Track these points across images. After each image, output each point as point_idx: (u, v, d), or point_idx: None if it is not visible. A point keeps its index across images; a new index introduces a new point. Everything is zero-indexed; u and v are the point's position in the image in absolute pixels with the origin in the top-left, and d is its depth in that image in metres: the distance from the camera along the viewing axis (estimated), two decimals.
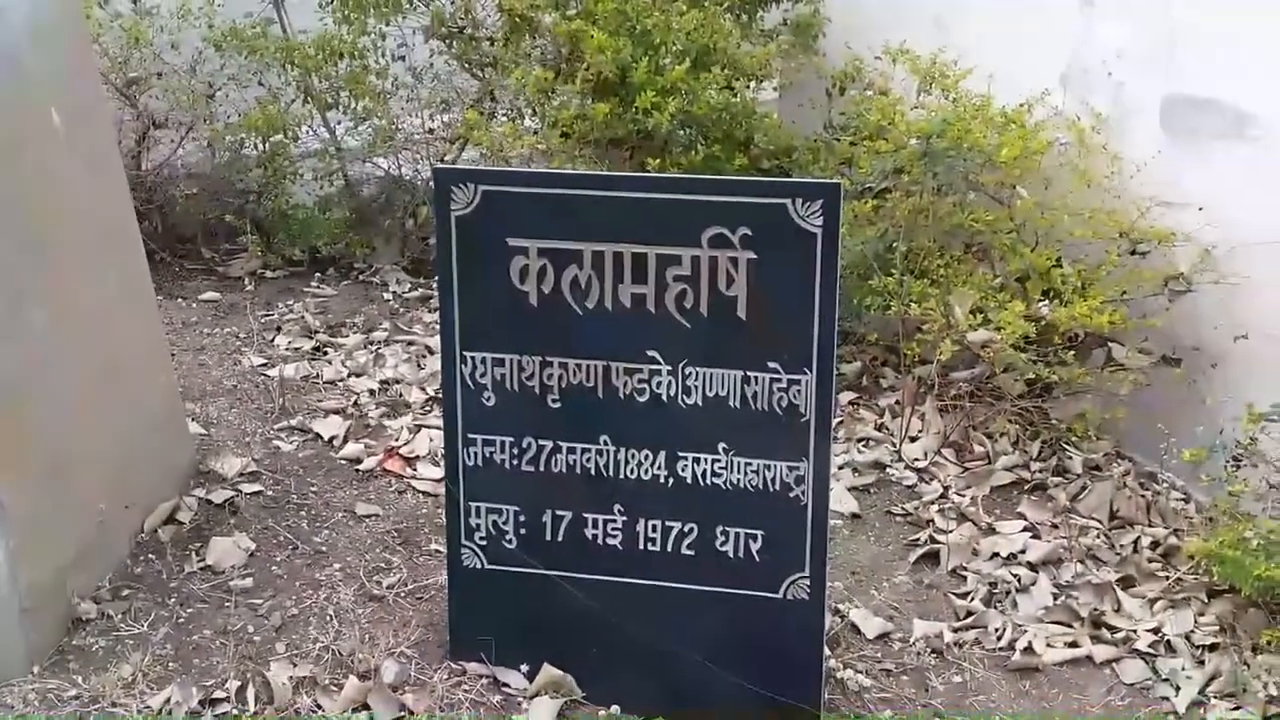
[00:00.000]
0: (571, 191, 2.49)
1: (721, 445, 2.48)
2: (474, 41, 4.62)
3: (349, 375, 3.92)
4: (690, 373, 2.46)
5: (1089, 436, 3.52)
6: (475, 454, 2.58)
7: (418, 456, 3.45)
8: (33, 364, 2.57)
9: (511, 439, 2.56)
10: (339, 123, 4.93)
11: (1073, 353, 3.44)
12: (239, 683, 2.55)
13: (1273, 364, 3.21)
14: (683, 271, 2.41)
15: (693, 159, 4.10)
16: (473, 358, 2.54)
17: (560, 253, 2.46)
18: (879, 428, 3.71)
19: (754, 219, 2.37)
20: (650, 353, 2.47)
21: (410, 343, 4.18)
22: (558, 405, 2.53)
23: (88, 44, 3.16)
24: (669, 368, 2.47)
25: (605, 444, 2.53)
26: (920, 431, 3.63)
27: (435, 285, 4.62)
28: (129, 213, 3.08)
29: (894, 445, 3.60)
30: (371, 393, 3.81)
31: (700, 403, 2.47)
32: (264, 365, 3.93)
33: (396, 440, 3.53)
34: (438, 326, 4.20)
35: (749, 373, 2.43)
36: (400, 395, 3.80)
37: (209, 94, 4.74)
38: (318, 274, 4.79)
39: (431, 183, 4.78)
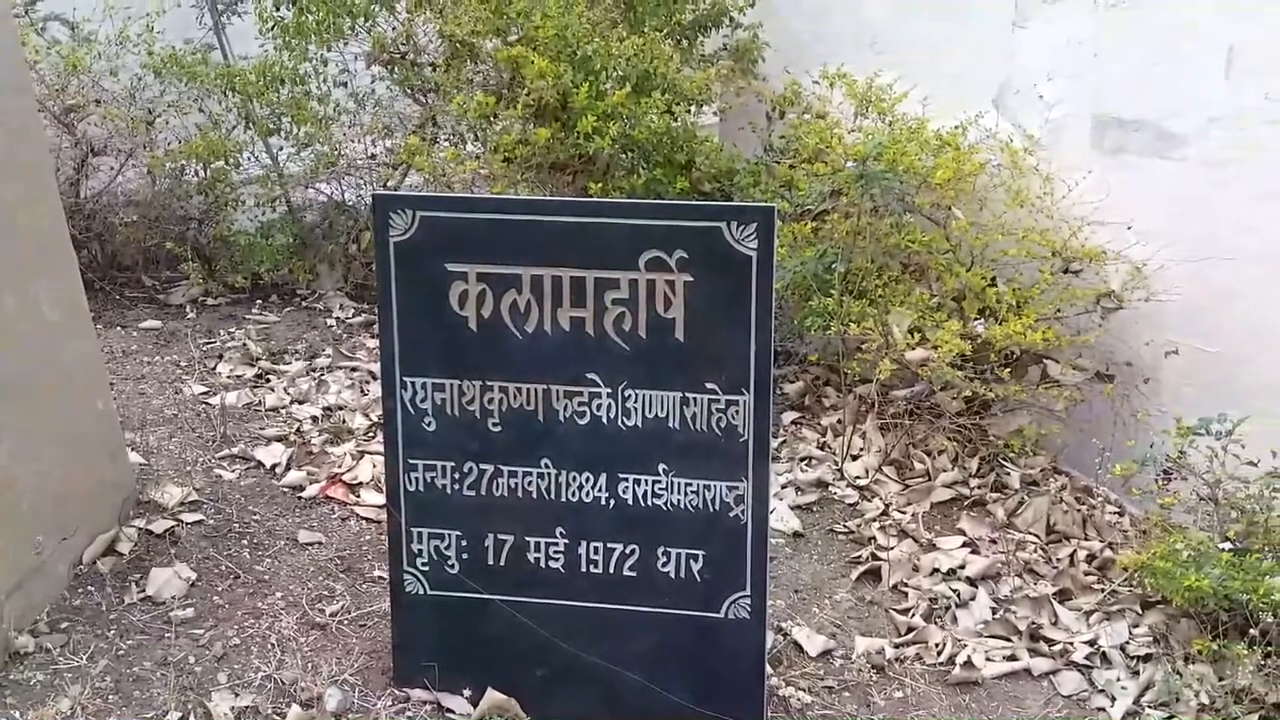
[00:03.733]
0: (509, 216, 2.50)
1: (661, 466, 2.50)
2: (415, 67, 4.63)
3: (291, 402, 3.90)
4: (630, 395, 2.48)
5: (1026, 452, 3.58)
6: (417, 479, 2.58)
7: (361, 483, 3.44)
8: None
9: (453, 464, 2.57)
10: (281, 149, 4.92)
11: (1009, 370, 3.50)
12: (180, 714, 2.53)
13: (1202, 379, 3.29)
14: (621, 295, 2.44)
15: (634, 183, 4.13)
16: (413, 383, 2.55)
17: (499, 277, 2.47)
18: (821, 446, 3.75)
19: (690, 242, 2.40)
20: (590, 375, 2.49)
21: (354, 369, 4.17)
22: (498, 429, 2.54)
23: (23, 67, 3.14)
24: (608, 390, 2.49)
25: (546, 467, 2.55)
26: (862, 450, 3.67)
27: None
28: (64, 236, 3.05)
29: (836, 464, 3.63)
30: (314, 419, 3.80)
31: (640, 424, 2.49)
32: (205, 393, 3.90)
33: (339, 467, 3.52)
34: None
35: (687, 394, 2.46)
36: (343, 422, 3.78)
37: (149, 121, 4.71)
38: (260, 301, 4.76)
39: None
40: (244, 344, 4.30)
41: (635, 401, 2.49)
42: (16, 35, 3.06)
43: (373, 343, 4.39)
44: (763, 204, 2.48)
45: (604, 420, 2.50)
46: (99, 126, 4.73)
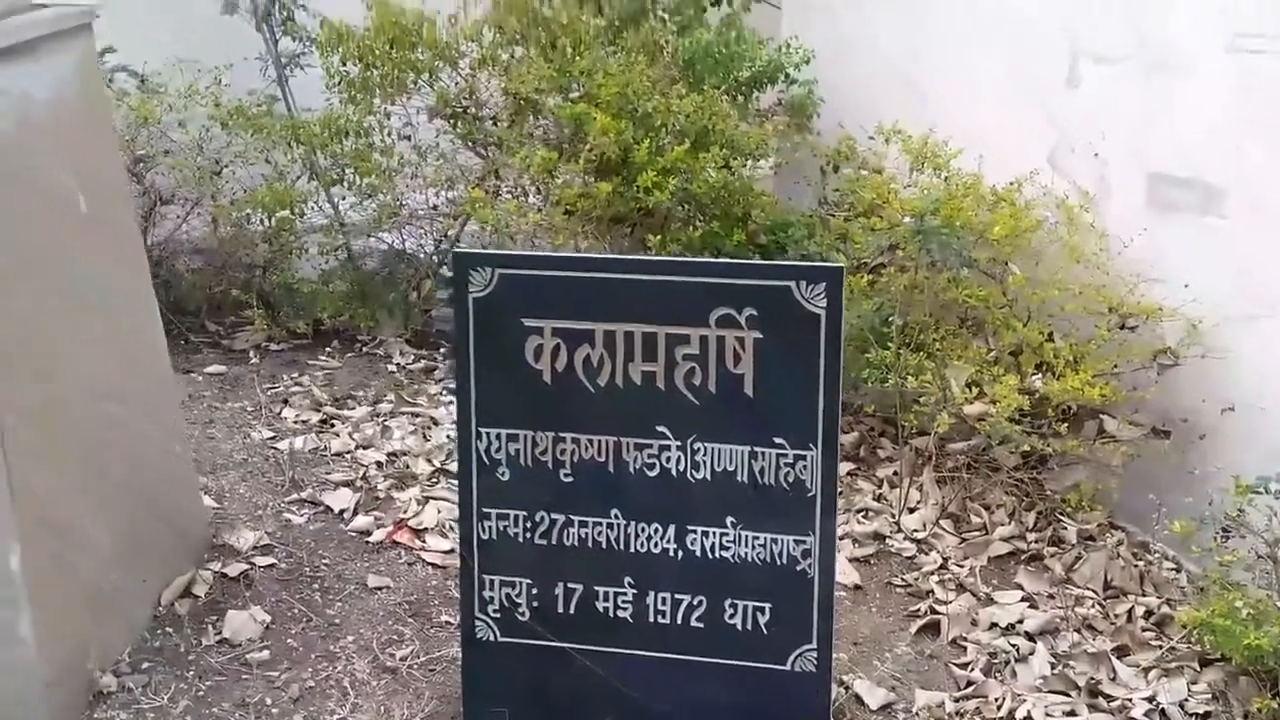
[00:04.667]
0: (585, 274, 2.58)
1: (729, 519, 2.55)
2: (477, 121, 4.73)
3: (357, 447, 3.97)
4: (699, 448, 2.54)
5: (1083, 507, 3.60)
6: (490, 528, 2.65)
7: (426, 529, 3.51)
8: (46, 435, 2.63)
9: (525, 513, 2.63)
10: (343, 198, 5.03)
11: (1066, 425, 3.53)
12: None
13: (1259, 436, 3.31)
14: (691, 350, 2.50)
15: (692, 235, 4.21)
16: (488, 434, 2.62)
17: (573, 332, 2.54)
18: (878, 498, 3.79)
19: (760, 300, 2.46)
20: (660, 428, 2.55)
21: (415, 414, 4.25)
22: (570, 480, 2.60)
23: (109, 125, 3.26)
24: (678, 443, 2.55)
25: (616, 518, 2.61)
26: (918, 502, 3.71)
27: (438, 356, 4.73)
28: (147, 286, 3.17)
29: (893, 516, 3.67)
30: (379, 465, 3.87)
31: (709, 477, 2.55)
32: (273, 438, 3.99)
33: (405, 512, 3.59)
34: (441, 398, 4.33)
35: (756, 448, 2.52)
36: (407, 467, 3.86)
37: (215, 171, 4.84)
38: (322, 346, 4.85)
39: (434, 257, 4.95)
40: (308, 389, 4.39)
41: (704, 455, 2.54)
42: (103, 99, 3.18)
43: (433, 388, 4.48)
44: (831, 264, 2.56)
45: (673, 473, 2.56)
46: (166, 176, 4.86)
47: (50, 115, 2.64)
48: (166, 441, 3.19)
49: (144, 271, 3.12)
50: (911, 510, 3.69)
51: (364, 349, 4.87)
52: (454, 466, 3.73)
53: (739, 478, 2.53)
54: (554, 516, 2.63)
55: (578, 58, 4.35)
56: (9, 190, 2.48)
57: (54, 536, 2.63)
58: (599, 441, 2.58)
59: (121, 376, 2.95)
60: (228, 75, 4.94)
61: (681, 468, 2.56)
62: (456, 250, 2.71)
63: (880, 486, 3.85)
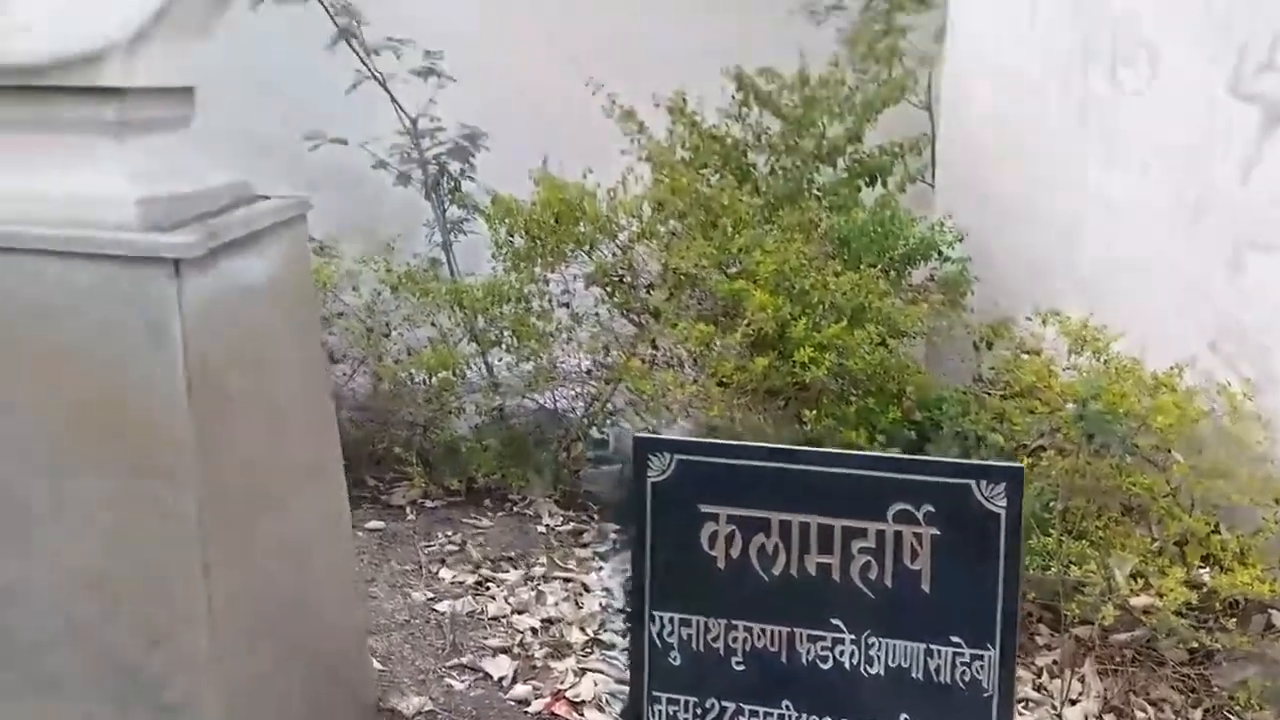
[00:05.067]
0: (763, 463, 2.63)
1: (903, 716, 2.55)
2: (633, 290, 4.90)
3: (512, 612, 4.04)
4: (873, 643, 2.56)
5: (1252, 705, 3.49)
6: (660, 712, 2.67)
7: (584, 701, 3.54)
8: (247, 602, 2.75)
9: (696, 699, 2.66)
10: (500, 359, 5.20)
11: (1234, 619, 3.45)
12: None
13: None
14: (868, 544, 2.53)
15: (847, 410, 4.27)
16: (661, 617, 2.66)
17: (749, 520, 2.60)
18: (1038, 688, 3.71)
19: (939, 497, 2.49)
20: (834, 621, 2.57)
21: (568, 580, 4.31)
22: (742, 668, 2.63)
23: (317, 308, 3.46)
24: (852, 636, 2.57)
25: (788, 709, 2.61)
26: (1080, 694, 3.63)
27: (586, 518, 4.82)
28: (337, 454, 3.32)
29: (1054, 708, 3.60)
30: (534, 631, 3.93)
31: (882, 673, 2.55)
32: (432, 599, 4.09)
33: (562, 683, 3.63)
34: (592, 563, 4.40)
35: (932, 645, 2.52)
36: (561, 635, 3.91)
37: (385, 333, 5.07)
38: (475, 504, 4.97)
39: (585, 419, 5.07)
40: (464, 549, 4.50)
41: (879, 650, 2.56)
42: (314, 281, 3.39)
43: (582, 552, 4.55)
44: (1012, 464, 2.58)
45: (846, 666, 2.57)
46: (338, 337, 5.10)
47: (266, 301, 2.82)
48: (346, 604, 3.30)
49: (335, 441, 3.27)
50: (1073, 702, 3.61)
51: (514, 508, 4.97)
52: (607, 636, 3.83)
53: (914, 674, 2.53)
54: (724, 704, 2.65)
55: (737, 235, 4.50)
56: (227, 374, 2.65)
57: (245, 701, 2.73)
58: (772, 631, 2.61)
59: (312, 540, 3.08)
60: (399, 242, 5.21)
61: (855, 662, 2.57)
62: (638, 435, 2.81)
63: (1040, 676, 3.78)
